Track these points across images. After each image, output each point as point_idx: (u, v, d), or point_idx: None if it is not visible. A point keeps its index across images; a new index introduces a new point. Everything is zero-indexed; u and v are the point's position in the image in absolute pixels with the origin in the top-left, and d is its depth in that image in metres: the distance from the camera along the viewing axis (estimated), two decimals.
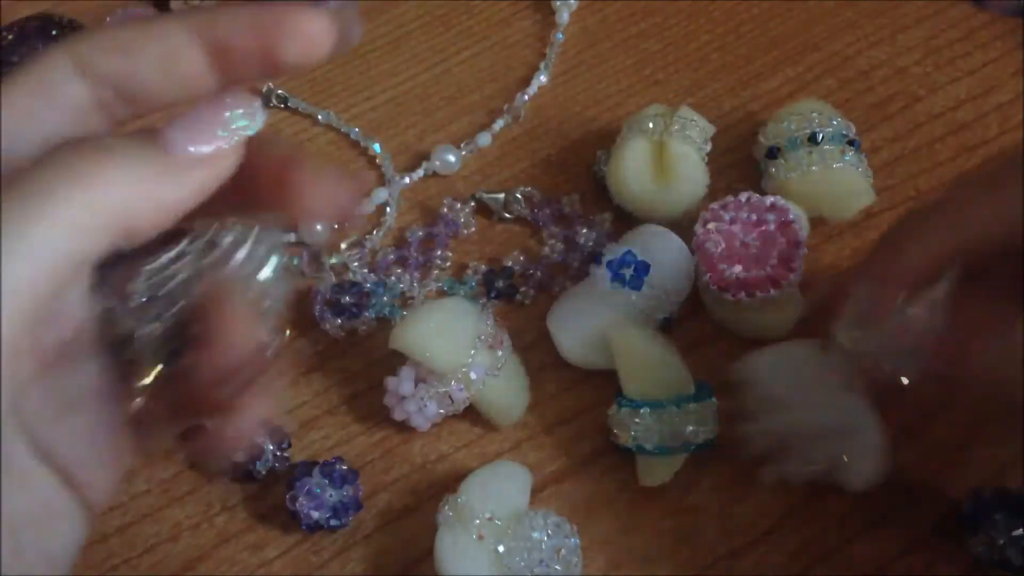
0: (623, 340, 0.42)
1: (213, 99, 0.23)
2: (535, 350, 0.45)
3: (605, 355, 0.43)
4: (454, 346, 0.41)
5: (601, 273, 0.43)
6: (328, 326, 0.46)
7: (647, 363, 0.41)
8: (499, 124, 0.52)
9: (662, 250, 0.44)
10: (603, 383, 0.43)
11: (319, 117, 0.54)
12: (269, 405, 0.25)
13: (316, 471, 0.40)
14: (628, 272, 0.43)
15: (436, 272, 0.48)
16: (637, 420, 0.40)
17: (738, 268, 0.43)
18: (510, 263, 0.47)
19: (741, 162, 0.50)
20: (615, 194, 0.47)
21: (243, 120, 0.23)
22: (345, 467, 0.41)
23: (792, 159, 0.46)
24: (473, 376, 0.41)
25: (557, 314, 0.45)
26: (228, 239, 0.25)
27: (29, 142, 0.22)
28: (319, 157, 0.52)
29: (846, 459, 0.39)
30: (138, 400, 0.24)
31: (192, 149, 0.22)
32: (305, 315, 0.46)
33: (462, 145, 0.52)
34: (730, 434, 0.41)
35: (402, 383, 0.42)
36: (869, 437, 0.39)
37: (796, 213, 0.44)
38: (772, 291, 0.42)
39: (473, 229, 0.49)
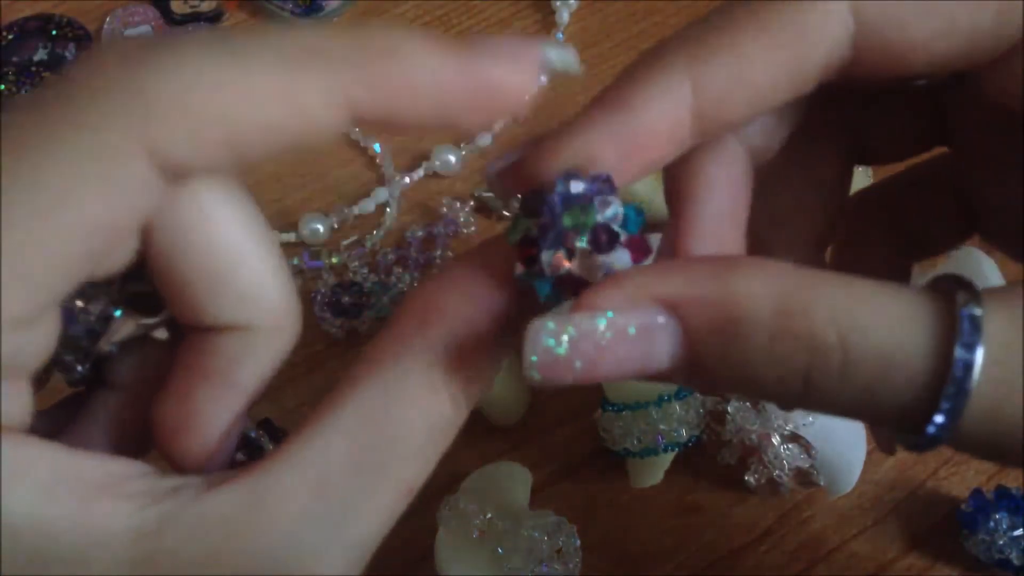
0: None
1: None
2: None
3: None
4: None
5: None
6: (328, 326, 0.46)
7: None
8: (499, 124, 0.52)
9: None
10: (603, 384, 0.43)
11: None
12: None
13: None
14: None
15: (436, 272, 0.48)
16: (620, 424, 0.40)
17: None
18: None
19: None
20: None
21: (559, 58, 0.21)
22: None
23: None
24: None
25: None
26: None
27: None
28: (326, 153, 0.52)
29: (816, 468, 0.40)
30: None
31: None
32: (305, 315, 0.46)
33: (462, 145, 0.51)
34: (715, 436, 0.41)
35: None
36: (842, 444, 0.39)
37: None
38: None
39: (473, 229, 0.49)
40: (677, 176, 0.25)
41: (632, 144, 0.22)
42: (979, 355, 0.18)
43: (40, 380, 0.24)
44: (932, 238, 0.30)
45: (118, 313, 0.23)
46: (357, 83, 0.19)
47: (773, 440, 0.40)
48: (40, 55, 0.54)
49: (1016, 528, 0.38)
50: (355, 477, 0.20)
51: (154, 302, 0.23)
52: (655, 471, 0.41)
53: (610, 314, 0.19)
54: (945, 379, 0.19)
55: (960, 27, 0.22)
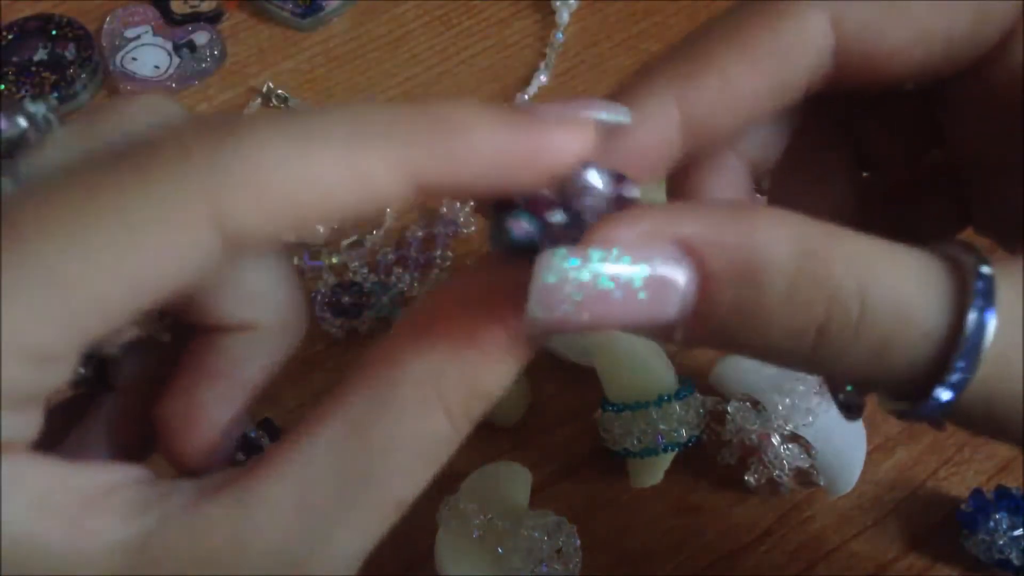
0: (601, 344, 0.41)
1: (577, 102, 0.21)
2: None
3: (585, 352, 0.43)
4: None
5: None
6: (328, 326, 0.46)
7: (626, 366, 0.41)
8: None
9: None
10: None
11: None
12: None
13: None
14: None
15: (436, 272, 0.48)
16: (620, 424, 0.40)
17: None
18: None
19: None
20: None
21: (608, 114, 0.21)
22: None
23: None
24: None
25: None
26: None
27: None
28: None
29: (816, 468, 0.40)
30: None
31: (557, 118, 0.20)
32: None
33: None
34: (715, 436, 0.41)
35: None
36: (842, 444, 0.40)
37: None
38: None
39: (473, 229, 0.49)
40: (679, 196, 0.26)
41: (624, 163, 0.22)
42: (992, 316, 0.19)
43: None
44: (928, 228, 0.30)
45: None
46: (419, 154, 0.19)
47: (773, 440, 0.40)
48: (40, 55, 0.54)
49: (1016, 528, 0.38)
50: (339, 491, 0.20)
51: None
52: (655, 471, 0.41)
53: (626, 259, 0.19)
54: (958, 340, 0.19)
55: (937, 31, 0.22)
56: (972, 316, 0.19)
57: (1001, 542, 0.38)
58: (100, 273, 0.18)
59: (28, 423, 0.19)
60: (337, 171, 0.19)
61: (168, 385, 0.23)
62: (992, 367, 0.19)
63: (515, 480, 0.40)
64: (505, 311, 0.20)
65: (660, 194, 0.27)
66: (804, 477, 0.40)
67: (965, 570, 0.39)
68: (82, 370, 0.23)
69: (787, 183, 0.27)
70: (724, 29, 0.23)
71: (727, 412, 0.41)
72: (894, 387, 0.20)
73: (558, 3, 0.56)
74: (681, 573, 0.40)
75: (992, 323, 0.19)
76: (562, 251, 0.19)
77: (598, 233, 0.19)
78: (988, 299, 0.19)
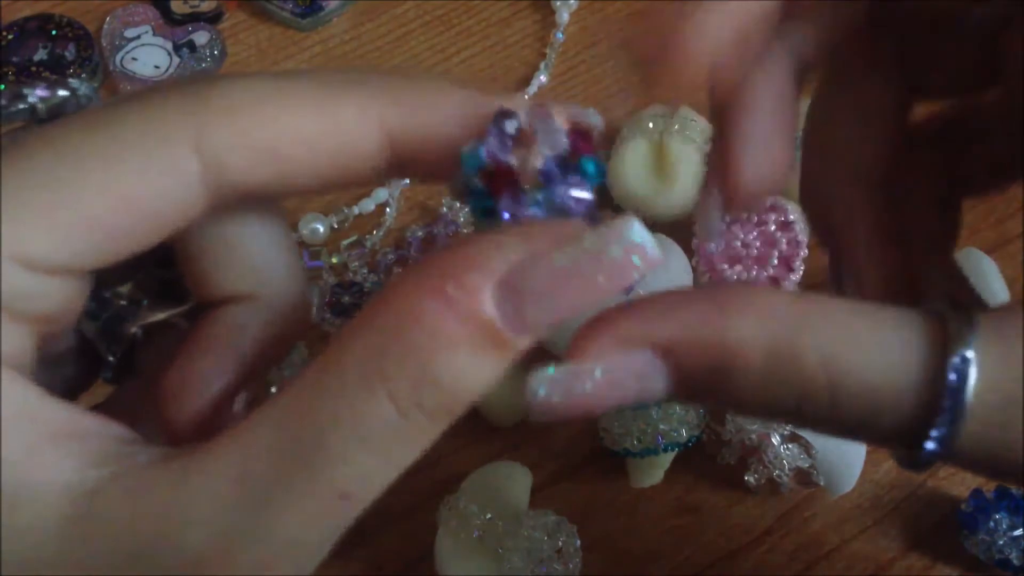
0: None
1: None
2: (535, 349, 0.45)
3: None
4: None
5: None
6: (328, 326, 0.46)
7: None
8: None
9: (664, 264, 0.43)
10: None
11: None
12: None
13: None
14: None
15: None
16: (620, 424, 0.40)
17: (738, 268, 0.43)
18: None
19: None
20: (615, 194, 0.47)
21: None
22: None
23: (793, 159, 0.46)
24: None
25: None
26: None
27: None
28: None
29: (816, 468, 0.40)
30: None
31: None
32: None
33: None
34: (715, 436, 0.41)
35: None
36: (842, 444, 0.40)
37: (796, 213, 0.44)
38: None
39: (473, 229, 0.49)
40: (723, 89, 0.25)
41: None
42: (969, 393, 0.19)
43: (81, 382, 0.25)
44: (979, 178, 0.29)
45: (146, 302, 0.24)
46: (389, 103, 0.21)
47: (773, 440, 0.40)
48: (40, 55, 0.54)
49: (1016, 528, 0.38)
50: (277, 471, 0.19)
51: (181, 289, 0.23)
52: (655, 471, 0.41)
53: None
54: (935, 414, 0.19)
55: None
56: (946, 403, 0.19)
57: (1001, 542, 0.38)
58: (86, 184, 0.19)
59: (15, 340, 0.19)
60: (310, 109, 0.20)
61: (171, 359, 0.23)
62: (973, 431, 0.19)
63: (515, 480, 0.40)
64: (461, 294, 0.19)
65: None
66: (804, 477, 0.40)
67: (965, 570, 0.39)
68: (112, 358, 0.24)
69: (828, 117, 0.27)
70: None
71: (727, 412, 0.41)
72: (882, 446, 0.21)
73: (558, 3, 0.56)
74: (681, 573, 0.40)
75: (969, 400, 0.19)
76: (547, 371, 0.21)
77: (577, 347, 0.21)
78: (962, 383, 0.19)
